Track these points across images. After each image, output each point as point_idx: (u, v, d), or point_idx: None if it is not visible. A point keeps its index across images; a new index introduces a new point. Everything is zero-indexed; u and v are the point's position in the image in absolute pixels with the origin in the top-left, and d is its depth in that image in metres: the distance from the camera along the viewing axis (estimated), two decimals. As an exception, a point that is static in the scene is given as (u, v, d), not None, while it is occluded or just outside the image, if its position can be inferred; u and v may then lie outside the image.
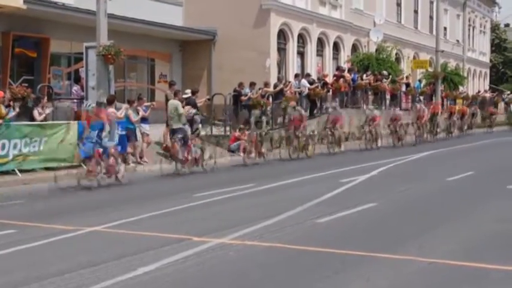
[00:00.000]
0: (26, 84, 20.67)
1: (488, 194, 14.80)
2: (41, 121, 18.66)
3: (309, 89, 29.32)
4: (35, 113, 18.73)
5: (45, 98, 20.03)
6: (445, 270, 8.22)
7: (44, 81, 23.57)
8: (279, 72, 32.64)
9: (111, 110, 18.81)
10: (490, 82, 65.92)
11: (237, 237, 9.92)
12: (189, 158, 19.25)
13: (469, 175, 18.15)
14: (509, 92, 60.01)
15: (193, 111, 21.97)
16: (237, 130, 23.38)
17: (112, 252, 9.07)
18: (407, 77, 40.87)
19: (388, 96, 36.58)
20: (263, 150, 22.66)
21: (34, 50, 24.58)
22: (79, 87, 22.30)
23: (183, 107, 21.46)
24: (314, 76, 32.83)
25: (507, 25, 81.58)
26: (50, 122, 19.08)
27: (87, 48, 20.91)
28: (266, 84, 27.78)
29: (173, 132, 20.24)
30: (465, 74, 53.12)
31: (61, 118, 20.68)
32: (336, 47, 38.18)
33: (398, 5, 46.47)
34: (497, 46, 71.93)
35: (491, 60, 67.89)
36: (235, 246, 9.38)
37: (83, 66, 21.70)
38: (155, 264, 8.30)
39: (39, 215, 12.20)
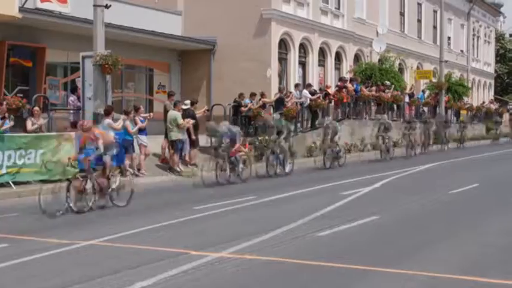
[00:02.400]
0: (21, 95, 20.67)
1: (491, 207, 14.80)
2: (35, 132, 18.63)
3: (310, 99, 29.33)
4: (28, 123, 18.72)
5: (38, 108, 19.92)
6: (447, 284, 8.24)
7: (40, 92, 23.55)
8: (280, 82, 32.63)
9: (107, 121, 18.87)
10: (495, 93, 65.98)
11: (235, 251, 9.91)
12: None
13: (472, 188, 18.15)
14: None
15: (192, 121, 22.02)
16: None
17: (108, 266, 9.06)
18: (410, 88, 40.94)
19: (395, 107, 36.77)
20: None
21: (29, 59, 24.58)
22: (75, 97, 22.30)
23: (183, 118, 21.53)
24: (316, 86, 32.87)
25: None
26: (46, 134, 19.05)
27: (83, 57, 20.90)
28: (263, 95, 27.70)
29: (172, 143, 20.26)
30: (469, 85, 53.20)
31: (57, 129, 20.66)
32: (338, 57, 38.21)
33: (402, 14, 46.57)
34: (502, 56, 72.01)
35: (496, 71, 67.95)
36: (234, 261, 9.38)
37: (79, 76, 21.70)
38: (152, 279, 8.29)
39: (33, 229, 12.19)
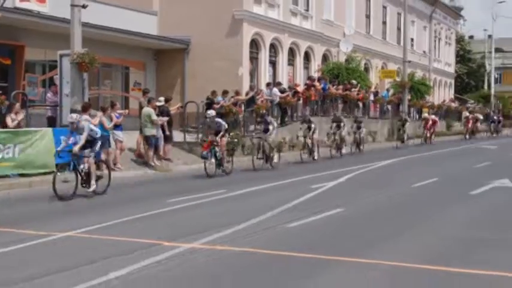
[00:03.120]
0: (0, 92, 20.42)
1: (451, 200, 14.89)
2: (14, 127, 18.42)
3: (280, 97, 29.34)
4: (8, 119, 18.49)
5: (18, 104, 19.72)
6: (409, 273, 8.27)
7: (19, 88, 23.27)
8: (251, 80, 32.61)
9: (85, 117, 18.71)
10: (455, 92, 66.55)
11: (207, 242, 9.87)
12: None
13: (433, 181, 18.27)
14: (472, 102, 60.71)
15: (166, 119, 21.89)
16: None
17: (84, 257, 8.96)
18: (375, 87, 41.14)
19: (360, 105, 36.90)
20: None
21: (8, 57, 24.32)
22: (52, 93, 22.08)
23: (157, 115, 21.39)
24: (285, 85, 32.90)
25: (471, 37, 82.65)
26: (24, 129, 18.82)
27: (61, 56, 20.73)
28: (237, 93, 27.78)
29: (146, 139, 20.14)
30: (431, 84, 53.60)
31: (35, 125, 20.43)
32: (307, 56, 38.27)
33: (368, 16, 46.74)
34: (462, 57, 72.66)
35: (456, 71, 68.53)
36: (205, 251, 9.33)
37: (57, 74, 21.49)
38: (126, 269, 8.21)
39: (11, 221, 12.01)
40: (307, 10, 37.71)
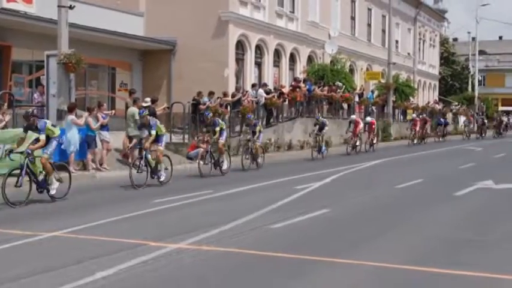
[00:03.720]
0: (-13, 91, 20.37)
1: (435, 201, 14.94)
2: (1, 128, 18.34)
3: (265, 98, 29.38)
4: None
5: (5, 104, 19.70)
6: (393, 273, 8.31)
7: (5, 88, 23.22)
8: (237, 82, 32.65)
9: (70, 117, 18.73)
10: (439, 93, 66.87)
11: (193, 242, 9.87)
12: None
13: (417, 183, 18.35)
14: (456, 103, 61.02)
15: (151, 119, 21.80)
16: (196, 138, 23.27)
17: (70, 257, 8.94)
18: (360, 88, 41.26)
19: (345, 106, 36.98)
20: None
21: (-5, 57, 24.26)
22: (39, 93, 22.04)
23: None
24: (271, 86, 32.95)
25: (455, 39, 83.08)
26: (11, 130, 18.74)
27: (48, 56, 20.69)
28: (225, 94, 27.84)
29: (130, 139, 20.10)
30: (416, 86, 53.83)
31: (22, 125, 20.33)
32: (292, 58, 38.35)
33: (353, 18, 46.90)
34: (446, 59, 73.01)
35: (440, 73, 68.87)
36: (191, 251, 9.33)
37: (44, 74, 21.44)
38: (113, 268, 8.21)
39: (-2, 220, 12.00)
40: (292, 12, 37.78)
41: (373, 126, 33.29)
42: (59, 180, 14.81)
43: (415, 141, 38.47)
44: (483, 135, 48.52)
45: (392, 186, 17.57)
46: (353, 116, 32.30)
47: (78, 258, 8.81)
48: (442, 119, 46.42)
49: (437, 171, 22.68)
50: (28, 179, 14.30)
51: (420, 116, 41.49)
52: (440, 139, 44.05)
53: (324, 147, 27.55)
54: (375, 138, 33.90)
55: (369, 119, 34.16)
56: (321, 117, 29.13)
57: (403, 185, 17.69)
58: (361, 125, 31.84)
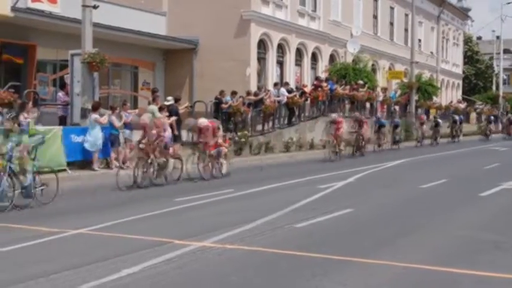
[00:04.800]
0: (13, 90, 20.57)
1: (460, 202, 14.91)
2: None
3: (287, 97, 29.42)
4: (21, 118, 18.60)
5: (30, 103, 19.90)
6: (418, 275, 8.30)
7: (30, 87, 23.47)
8: (259, 81, 32.71)
9: (94, 116, 18.93)
10: (463, 93, 66.45)
11: (217, 240, 9.95)
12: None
13: (442, 183, 18.30)
14: (480, 103, 60.59)
15: (175, 118, 21.95)
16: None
17: (96, 254, 9.06)
18: (383, 88, 41.12)
19: (367, 105, 36.89)
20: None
21: (21, 56, 24.50)
22: (64, 93, 22.26)
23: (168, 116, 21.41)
24: (293, 85, 32.98)
25: (479, 38, 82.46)
26: (36, 128, 18.92)
27: (72, 55, 20.90)
28: (248, 93, 27.95)
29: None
30: (439, 85, 53.52)
31: (46, 124, 20.56)
32: (314, 57, 38.33)
33: (375, 17, 46.77)
34: (469, 58, 72.56)
35: (463, 72, 68.45)
36: (216, 250, 9.41)
37: (68, 73, 21.65)
38: (138, 266, 8.31)
39: (25, 218, 12.15)
40: (314, 11, 37.77)
41: (340, 126, 27.08)
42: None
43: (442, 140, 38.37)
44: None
45: (417, 186, 17.53)
46: (334, 115, 28.39)
47: (103, 255, 8.93)
48: (457, 116, 43.71)
49: (462, 171, 22.56)
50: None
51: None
52: (456, 139, 41.88)
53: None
54: (363, 142, 29.49)
55: (334, 115, 28.40)
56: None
57: (427, 185, 17.65)
58: (344, 125, 27.63)
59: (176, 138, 22.29)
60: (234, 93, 27.04)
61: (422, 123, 38.20)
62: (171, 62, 32.70)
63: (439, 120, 39.95)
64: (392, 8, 49.29)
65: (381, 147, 31.87)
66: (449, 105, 50.80)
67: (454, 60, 63.70)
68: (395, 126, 34.69)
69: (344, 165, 23.07)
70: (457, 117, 43.13)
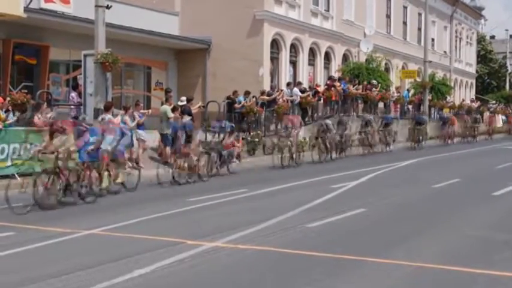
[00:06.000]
0: (26, 91, 20.66)
1: (473, 201, 14.84)
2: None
3: (300, 97, 29.38)
4: (36, 118, 18.68)
5: (45, 103, 19.98)
6: (432, 274, 8.26)
7: (43, 88, 23.55)
8: (272, 80, 32.69)
9: (107, 116, 18.90)
10: (476, 92, 66.14)
11: (229, 241, 9.93)
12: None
13: (454, 182, 18.21)
14: (494, 102, 60.29)
15: (188, 118, 21.94)
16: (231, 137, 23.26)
17: (108, 254, 9.07)
18: (396, 88, 40.97)
19: (380, 105, 36.74)
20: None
21: (34, 57, 24.58)
22: (77, 93, 22.32)
23: (181, 116, 21.41)
24: (306, 85, 32.93)
25: (492, 37, 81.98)
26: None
27: (85, 56, 20.91)
28: (262, 93, 27.94)
29: (162, 137, 20.20)
30: (452, 84, 53.29)
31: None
32: (327, 56, 38.25)
33: (388, 16, 46.63)
34: (483, 57, 72.20)
35: (477, 71, 68.12)
36: (228, 250, 9.39)
37: (81, 74, 21.69)
38: (150, 266, 8.29)
39: (37, 218, 12.18)
40: (327, 10, 37.69)
41: (296, 121, 24.38)
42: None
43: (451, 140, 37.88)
44: None
45: (429, 185, 17.45)
46: (368, 116, 29.21)
47: (115, 255, 8.93)
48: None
49: (474, 170, 22.46)
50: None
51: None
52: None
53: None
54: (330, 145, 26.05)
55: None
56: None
57: (440, 184, 17.56)
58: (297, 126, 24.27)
59: (189, 138, 22.29)
60: (247, 93, 27.02)
61: (452, 124, 38.12)
62: (184, 62, 32.71)
63: None
64: (405, 7, 49.11)
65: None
66: (462, 104, 50.52)
67: (467, 60, 63.41)
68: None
69: (357, 165, 22.96)
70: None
